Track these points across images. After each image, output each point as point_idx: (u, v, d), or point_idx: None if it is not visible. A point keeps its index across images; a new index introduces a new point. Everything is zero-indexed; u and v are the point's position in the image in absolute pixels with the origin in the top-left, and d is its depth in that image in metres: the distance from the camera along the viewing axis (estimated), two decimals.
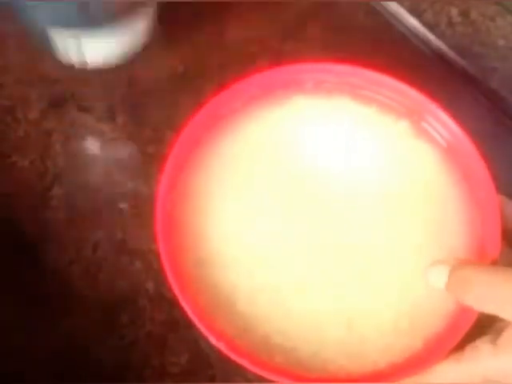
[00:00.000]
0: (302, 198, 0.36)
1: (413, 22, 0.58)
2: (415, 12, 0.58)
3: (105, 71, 0.54)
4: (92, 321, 0.46)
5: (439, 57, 0.56)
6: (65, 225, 0.49)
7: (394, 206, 0.36)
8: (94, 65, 0.53)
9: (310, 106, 0.38)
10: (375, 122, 0.38)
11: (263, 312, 0.34)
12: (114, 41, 0.51)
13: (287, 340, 0.34)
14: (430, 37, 0.57)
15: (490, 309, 0.30)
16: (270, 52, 0.55)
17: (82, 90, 0.54)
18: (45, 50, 0.52)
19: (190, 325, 0.32)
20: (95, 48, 0.51)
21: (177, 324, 0.46)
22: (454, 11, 0.58)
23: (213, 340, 0.32)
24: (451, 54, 0.56)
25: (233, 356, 0.32)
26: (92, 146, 0.52)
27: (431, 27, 0.57)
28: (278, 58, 0.38)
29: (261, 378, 0.32)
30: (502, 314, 0.30)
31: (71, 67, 0.54)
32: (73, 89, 0.54)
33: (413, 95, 0.37)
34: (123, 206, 0.50)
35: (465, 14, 0.58)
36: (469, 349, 0.31)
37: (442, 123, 0.36)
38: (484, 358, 0.30)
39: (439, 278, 0.32)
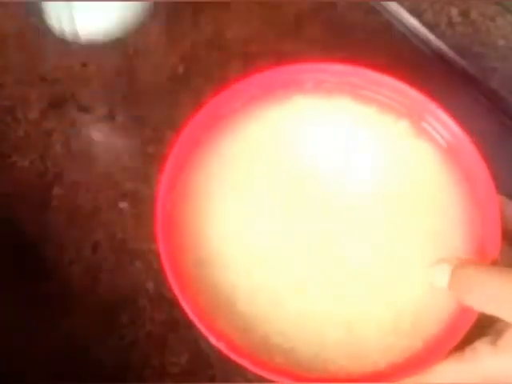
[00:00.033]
0: (302, 198, 0.36)
1: (413, 22, 0.58)
2: (415, 12, 0.58)
3: (105, 71, 0.54)
4: (92, 321, 0.46)
5: (439, 57, 0.56)
6: (65, 225, 0.49)
7: (394, 206, 0.36)
8: (86, 38, 0.53)
9: (310, 106, 0.38)
10: (375, 122, 0.38)
11: (263, 312, 0.34)
12: (107, 14, 0.51)
13: (287, 340, 0.34)
14: (430, 37, 0.57)
15: (489, 309, 0.30)
16: (270, 52, 0.55)
17: (82, 90, 0.54)
18: (37, 21, 0.52)
19: (190, 325, 0.32)
20: (88, 20, 0.51)
21: (177, 324, 0.46)
22: (454, 11, 0.58)
23: (213, 340, 0.32)
24: (451, 53, 0.56)
25: (233, 356, 0.32)
26: (92, 145, 0.52)
27: (431, 27, 0.57)
28: (278, 58, 0.38)
29: (261, 378, 0.32)
30: (501, 315, 0.30)
31: (71, 67, 0.54)
32: (73, 89, 0.54)
33: (413, 95, 0.37)
34: (123, 205, 0.50)
35: (465, 13, 0.58)
36: (469, 349, 0.31)
37: (442, 123, 0.36)
38: (484, 358, 0.30)
39: (442, 277, 0.32)
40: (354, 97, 0.38)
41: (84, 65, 0.55)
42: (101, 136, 0.52)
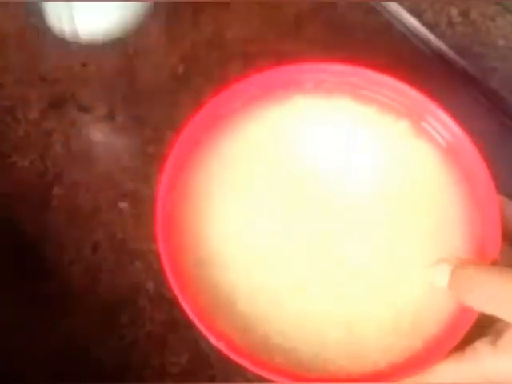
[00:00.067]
0: (302, 198, 0.36)
1: (413, 22, 0.58)
2: (415, 12, 0.58)
3: (105, 71, 0.54)
4: (92, 321, 0.46)
5: (439, 57, 0.56)
6: (65, 225, 0.49)
7: (394, 205, 0.36)
8: (86, 38, 0.53)
9: (310, 106, 0.38)
10: (375, 122, 0.38)
11: (263, 312, 0.34)
12: (107, 14, 0.51)
13: (287, 340, 0.34)
14: (430, 37, 0.57)
15: (489, 309, 0.30)
16: (270, 52, 0.55)
17: (82, 90, 0.54)
18: (37, 21, 0.52)
19: (190, 325, 0.32)
20: (88, 20, 0.51)
21: (177, 324, 0.46)
22: (454, 11, 0.58)
23: (213, 340, 0.32)
24: (451, 53, 0.56)
25: (233, 356, 0.32)
26: (92, 145, 0.52)
27: (431, 27, 0.57)
28: (278, 58, 0.38)
29: (261, 378, 0.32)
30: (501, 315, 0.30)
31: (71, 67, 0.54)
32: (73, 89, 0.54)
33: (413, 95, 0.37)
34: (123, 205, 0.50)
35: (465, 13, 0.58)
36: (469, 349, 0.31)
37: (442, 123, 0.36)
38: (484, 358, 0.30)
39: (442, 276, 0.32)
40: (354, 97, 0.38)
41: (84, 65, 0.55)
42: (101, 136, 0.52)
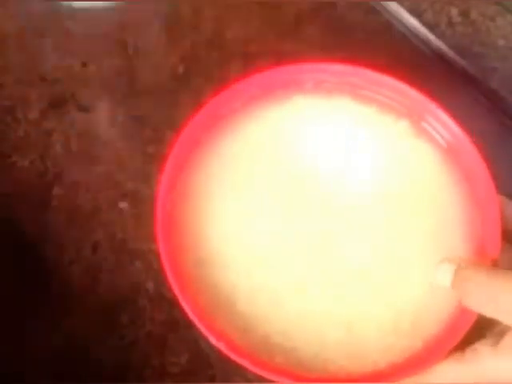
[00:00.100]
0: (302, 198, 0.36)
1: (413, 22, 0.58)
2: (415, 12, 0.58)
3: (105, 71, 0.54)
4: (92, 321, 0.46)
5: (439, 57, 0.56)
6: (65, 225, 0.49)
7: (394, 206, 0.36)
8: (79, 3, 0.52)
9: (310, 106, 0.38)
10: (375, 122, 0.38)
11: (263, 312, 0.34)
12: None
13: (287, 340, 0.34)
14: (430, 37, 0.57)
15: (487, 311, 0.30)
16: (270, 52, 0.55)
17: (82, 90, 0.54)
18: None
19: (190, 325, 0.32)
20: None
21: (177, 324, 0.46)
22: (454, 11, 0.58)
23: (213, 340, 0.32)
24: (451, 53, 0.56)
25: (233, 356, 0.32)
26: (92, 146, 0.52)
27: (431, 27, 0.57)
28: (278, 58, 0.38)
29: (261, 378, 0.32)
30: (500, 318, 0.30)
31: (71, 67, 0.54)
32: (73, 89, 0.54)
33: (413, 95, 0.37)
34: (123, 205, 0.50)
35: (465, 14, 0.58)
36: (469, 350, 0.31)
37: (442, 123, 0.36)
38: (484, 359, 0.30)
39: (445, 276, 0.32)
40: (354, 97, 0.38)
41: (84, 65, 0.55)
42: (101, 136, 0.52)
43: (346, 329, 0.34)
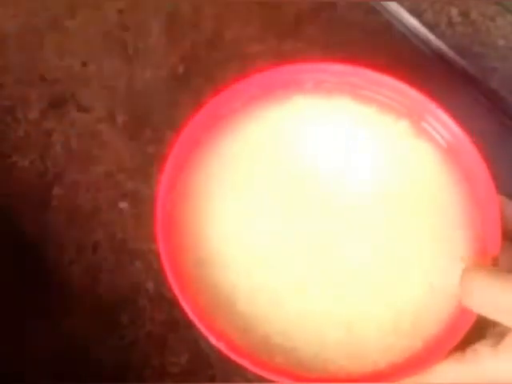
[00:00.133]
0: (302, 198, 0.36)
1: (413, 22, 0.58)
2: (415, 12, 0.58)
3: (105, 71, 0.54)
4: (92, 321, 0.46)
5: (439, 57, 0.56)
6: (65, 225, 0.49)
7: (394, 206, 0.36)
8: None
9: (310, 106, 0.38)
10: (375, 122, 0.38)
11: (263, 312, 0.34)
12: None
13: (287, 340, 0.34)
14: (430, 37, 0.57)
15: (487, 312, 0.30)
16: (270, 52, 0.55)
17: (82, 89, 0.54)
18: None
19: (190, 325, 0.32)
20: None
21: (177, 324, 0.46)
22: (454, 11, 0.58)
23: (213, 340, 0.32)
24: (451, 53, 0.56)
25: (233, 356, 0.32)
26: (92, 146, 0.52)
27: (431, 27, 0.57)
28: (278, 58, 0.38)
29: (261, 378, 0.32)
30: (499, 319, 0.30)
31: (71, 67, 0.54)
32: (73, 89, 0.54)
33: (413, 95, 0.37)
34: (123, 205, 0.50)
35: (465, 14, 0.58)
36: (469, 350, 0.31)
37: (442, 123, 0.36)
38: (484, 360, 0.30)
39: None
40: (354, 97, 0.38)
41: (84, 65, 0.55)
42: (101, 136, 0.52)
43: (346, 329, 0.34)
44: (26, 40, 0.55)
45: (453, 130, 0.36)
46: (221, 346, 0.32)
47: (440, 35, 0.57)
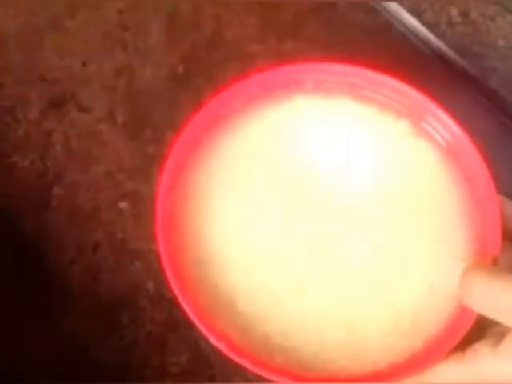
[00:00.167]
0: (302, 198, 0.36)
1: (413, 22, 0.58)
2: (415, 12, 0.58)
3: (105, 71, 0.54)
4: (92, 321, 0.46)
5: (439, 57, 0.56)
6: (65, 225, 0.49)
7: (394, 205, 0.36)
8: None
9: (310, 106, 0.38)
10: (375, 122, 0.38)
11: (263, 312, 0.34)
12: None
13: (287, 340, 0.34)
14: (430, 37, 0.57)
15: (488, 312, 0.30)
16: (270, 52, 0.55)
17: (82, 89, 0.54)
18: None
19: (190, 325, 0.32)
20: None
21: (177, 324, 0.46)
22: (454, 11, 0.58)
23: (213, 340, 0.32)
24: (451, 53, 0.56)
25: (233, 356, 0.32)
26: (92, 146, 0.52)
27: (431, 27, 0.57)
28: (278, 58, 0.38)
29: (261, 378, 0.32)
30: (500, 319, 0.30)
31: (71, 66, 0.54)
32: (73, 89, 0.54)
33: (413, 95, 0.37)
34: (123, 205, 0.50)
35: (465, 14, 0.58)
36: (469, 351, 0.31)
37: (442, 123, 0.36)
38: (484, 360, 0.30)
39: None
40: (354, 97, 0.38)
41: (84, 65, 0.55)
42: (101, 136, 0.52)
43: (346, 329, 0.34)
44: (26, 40, 0.55)
45: (453, 130, 0.36)
46: (221, 345, 0.32)
47: (440, 35, 0.57)
